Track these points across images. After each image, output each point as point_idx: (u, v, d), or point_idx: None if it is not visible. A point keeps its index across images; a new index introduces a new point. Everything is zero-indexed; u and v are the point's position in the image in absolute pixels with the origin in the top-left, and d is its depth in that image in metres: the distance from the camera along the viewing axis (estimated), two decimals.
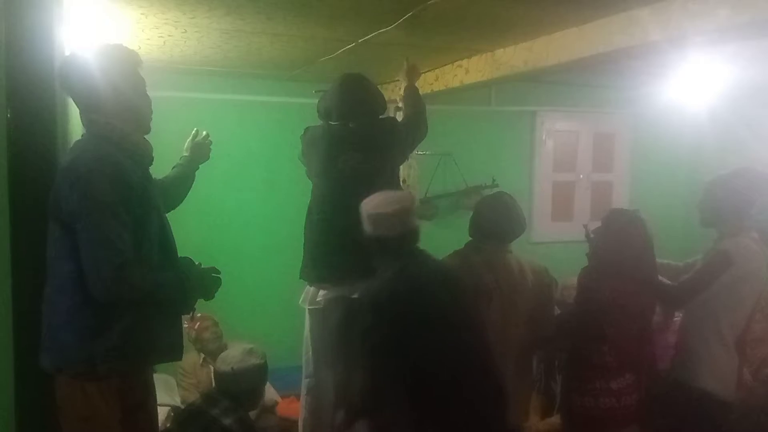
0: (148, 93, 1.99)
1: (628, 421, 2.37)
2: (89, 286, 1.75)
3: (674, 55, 3.07)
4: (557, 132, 5.32)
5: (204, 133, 2.41)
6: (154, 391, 2.13)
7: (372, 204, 2.14)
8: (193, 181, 2.37)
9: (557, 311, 2.80)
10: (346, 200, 2.55)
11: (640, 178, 5.52)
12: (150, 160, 2.01)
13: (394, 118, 2.94)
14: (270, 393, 3.76)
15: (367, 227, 2.13)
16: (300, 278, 2.69)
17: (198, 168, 2.40)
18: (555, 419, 3.30)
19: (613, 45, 2.49)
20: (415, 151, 4.28)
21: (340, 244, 2.55)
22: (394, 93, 3.88)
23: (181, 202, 2.35)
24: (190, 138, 2.40)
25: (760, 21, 1.96)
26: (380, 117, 2.73)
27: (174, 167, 2.36)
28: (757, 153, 4.07)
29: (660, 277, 2.50)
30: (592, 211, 5.41)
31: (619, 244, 2.39)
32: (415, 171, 4.43)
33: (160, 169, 2.15)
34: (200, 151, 2.39)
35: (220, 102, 4.17)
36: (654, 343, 2.54)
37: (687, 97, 4.22)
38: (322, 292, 2.60)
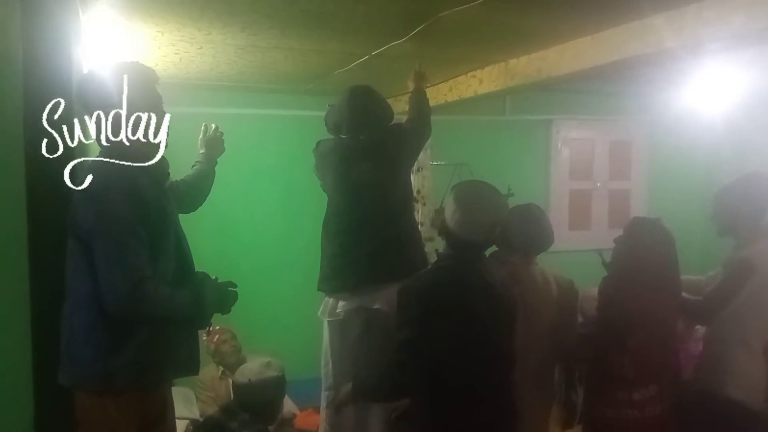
0: (164, 110, 2.01)
1: None
2: (105, 304, 1.76)
3: (689, 61, 3.05)
4: (573, 140, 5.30)
5: (213, 126, 2.44)
6: (173, 405, 2.14)
7: (468, 201, 2.04)
8: (214, 176, 2.41)
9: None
10: (362, 211, 2.58)
11: (657, 186, 5.47)
12: (167, 176, 2.03)
13: (399, 123, 2.93)
14: (288, 405, 3.75)
15: (450, 216, 2.04)
16: (318, 290, 2.70)
17: (216, 163, 2.44)
18: (576, 431, 3.26)
19: (628, 53, 2.48)
20: (429, 162, 4.30)
21: (358, 255, 2.56)
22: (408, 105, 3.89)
23: (205, 199, 2.39)
24: (201, 134, 2.43)
25: None
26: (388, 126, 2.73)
27: (193, 166, 2.40)
28: None
29: (684, 294, 2.47)
30: (609, 220, 5.38)
31: (642, 253, 2.35)
32: (429, 182, 4.42)
33: None
34: (215, 145, 2.43)
35: (236, 116, 4.20)
36: (677, 353, 2.49)
37: (703, 104, 4.19)
38: (341, 304, 2.60)
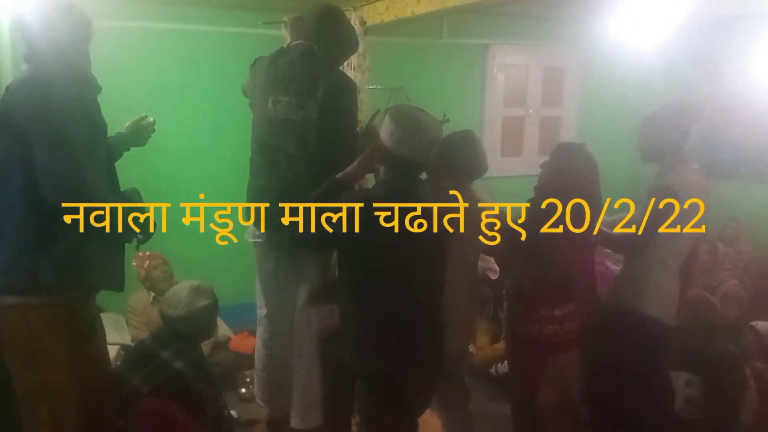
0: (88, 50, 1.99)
1: (570, 347, 2.46)
2: (45, 192, 1.73)
3: None
4: (508, 66, 5.31)
5: (151, 119, 2.36)
6: (102, 326, 2.12)
7: (405, 119, 2.01)
8: (119, 158, 2.31)
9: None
10: (271, 142, 2.46)
11: (587, 114, 5.59)
12: (98, 89, 1.99)
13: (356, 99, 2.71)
14: (223, 329, 3.78)
15: (388, 137, 2.01)
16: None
17: (129, 150, 2.35)
18: (501, 345, 3.43)
19: None
20: (366, 86, 4.22)
21: (264, 188, 2.49)
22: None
23: None
24: (135, 120, 2.34)
25: None
26: (346, 77, 2.54)
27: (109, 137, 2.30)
28: (702, 87, 4.15)
29: (607, 230, 2.54)
30: (540, 147, 5.50)
31: (565, 177, 2.42)
32: (366, 105, 4.35)
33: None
34: (139, 135, 2.35)
35: (165, 31, 3.98)
36: (593, 272, 2.62)
37: (636, 32, 4.24)
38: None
